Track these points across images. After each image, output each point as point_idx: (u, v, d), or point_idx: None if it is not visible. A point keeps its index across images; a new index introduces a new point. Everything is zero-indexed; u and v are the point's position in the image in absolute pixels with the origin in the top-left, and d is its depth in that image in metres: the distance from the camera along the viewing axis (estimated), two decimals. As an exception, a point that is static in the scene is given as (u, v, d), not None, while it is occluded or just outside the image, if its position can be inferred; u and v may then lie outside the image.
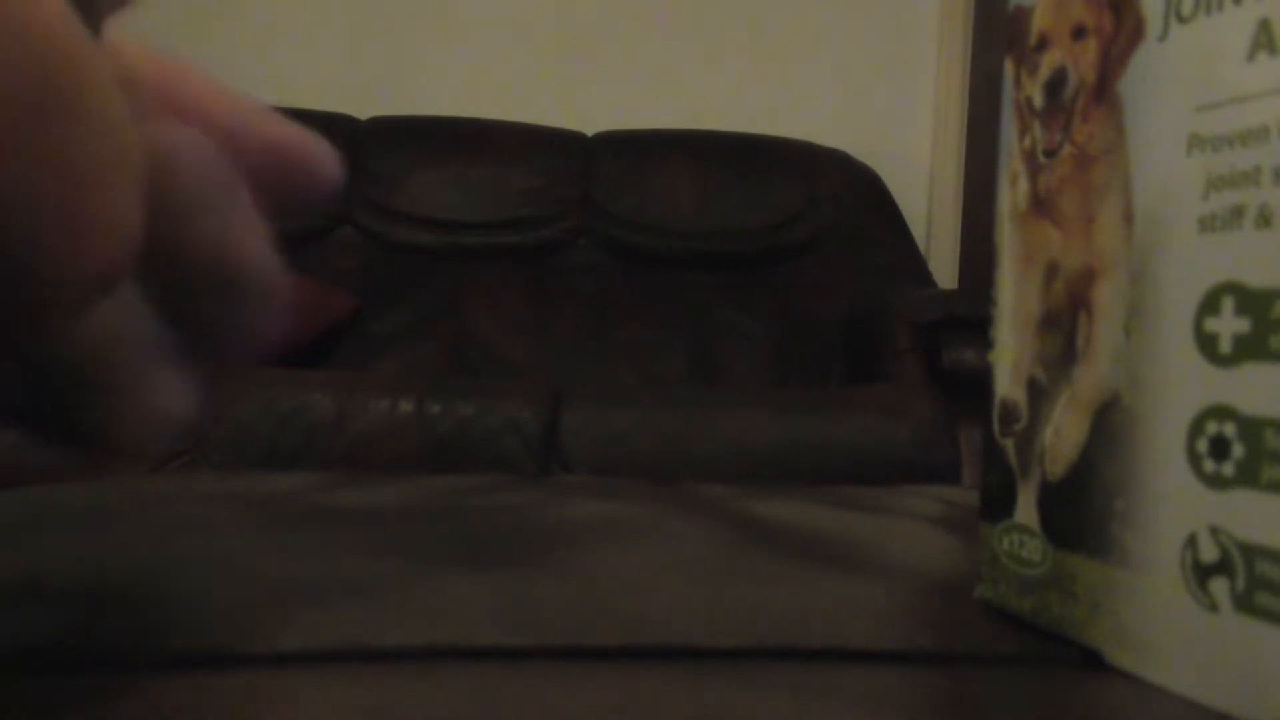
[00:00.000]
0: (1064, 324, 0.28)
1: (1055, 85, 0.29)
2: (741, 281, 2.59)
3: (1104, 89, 0.27)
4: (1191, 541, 0.24)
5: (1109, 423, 0.27)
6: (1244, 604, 0.23)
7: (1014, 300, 0.31)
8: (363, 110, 2.82)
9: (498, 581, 0.33)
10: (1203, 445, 0.24)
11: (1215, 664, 0.23)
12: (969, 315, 2.02)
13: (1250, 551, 0.22)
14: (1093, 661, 0.27)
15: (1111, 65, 0.27)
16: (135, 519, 0.42)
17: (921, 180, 2.96)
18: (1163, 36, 0.25)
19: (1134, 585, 0.26)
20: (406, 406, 1.67)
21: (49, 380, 0.17)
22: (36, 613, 0.27)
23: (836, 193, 2.64)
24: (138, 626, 0.26)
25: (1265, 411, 0.22)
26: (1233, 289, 0.23)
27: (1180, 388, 0.24)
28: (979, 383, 0.33)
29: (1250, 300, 0.22)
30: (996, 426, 0.31)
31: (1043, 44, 0.30)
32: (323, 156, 0.24)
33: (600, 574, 0.34)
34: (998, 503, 0.31)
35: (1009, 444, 0.31)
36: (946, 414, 1.82)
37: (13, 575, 0.31)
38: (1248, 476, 0.22)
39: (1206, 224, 0.24)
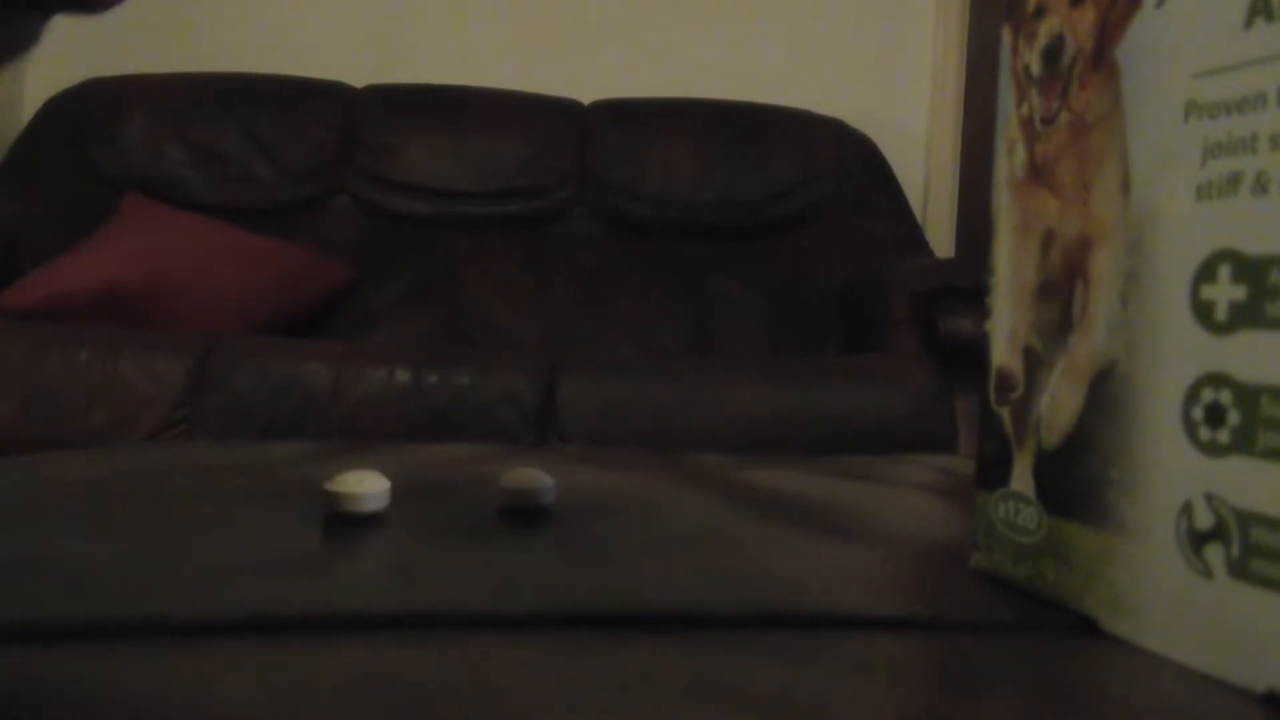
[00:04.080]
0: (1061, 292, 0.28)
1: (1052, 52, 0.29)
2: (739, 251, 2.58)
3: (1101, 56, 0.27)
4: (1187, 508, 0.24)
5: (1105, 391, 0.27)
6: (1239, 570, 0.23)
7: (1011, 269, 0.31)
8: (358, 78, 2.81)
9: (494, 550, 0.33)
10: (1199, 413, 0.24)
11: (1210, 630, 0.23)
12: (966, 285, 2.02)
13: (1246, 518, 0.22)
14: (1088, 628, 0.27)
15: (1109, 32, 0.27)
16: (132, 490, 0.42)
17: (918, 149, 2.95)
18: (1160, 3, 0.25)
19: (1129, 552, 0.26)
20: (403, 376, 1.67)
21: None
22: (36, 583, 0.27)
23: (833, 162, 2.63)
24: (136, 596, 0.26)
25: (1261, 379, 0.22)
26: (1229, 256, 0.23)
27: (1176, 355, 0.24)
28: (976, 352, 0.33)
29: (1247, 268, 0.22)
30: (993, 395, 0.31)
31: (1040, 11, 0.30)
32: None
33: (597, 543, 0.35)
34: (993, 471, 0.31)
35: (1005, 412, 0.31)
36: (943, 383, 1.82)
37: (11, 547, 0.31)
38: (1243, 443, 0.22)
39: (1203, 191, 0.24)
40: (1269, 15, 0.22)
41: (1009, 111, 0.31)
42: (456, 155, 2.59)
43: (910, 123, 2.97)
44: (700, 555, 0.33)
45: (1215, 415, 0.23)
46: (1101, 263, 0.27)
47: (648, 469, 0.52)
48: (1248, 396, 0.22)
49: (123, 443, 1.58)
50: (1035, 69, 0.30)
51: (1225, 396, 0.23)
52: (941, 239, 2.90)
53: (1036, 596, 0.29)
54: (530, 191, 2.60)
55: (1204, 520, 0.23)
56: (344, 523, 0.36)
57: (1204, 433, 0.24)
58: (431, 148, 2.59)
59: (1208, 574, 0.23)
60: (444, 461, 0.53)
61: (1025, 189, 0.30)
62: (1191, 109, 0.24)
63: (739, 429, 1.71)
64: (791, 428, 1.72)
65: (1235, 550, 0.23)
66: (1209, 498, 0.23)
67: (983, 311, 0.32)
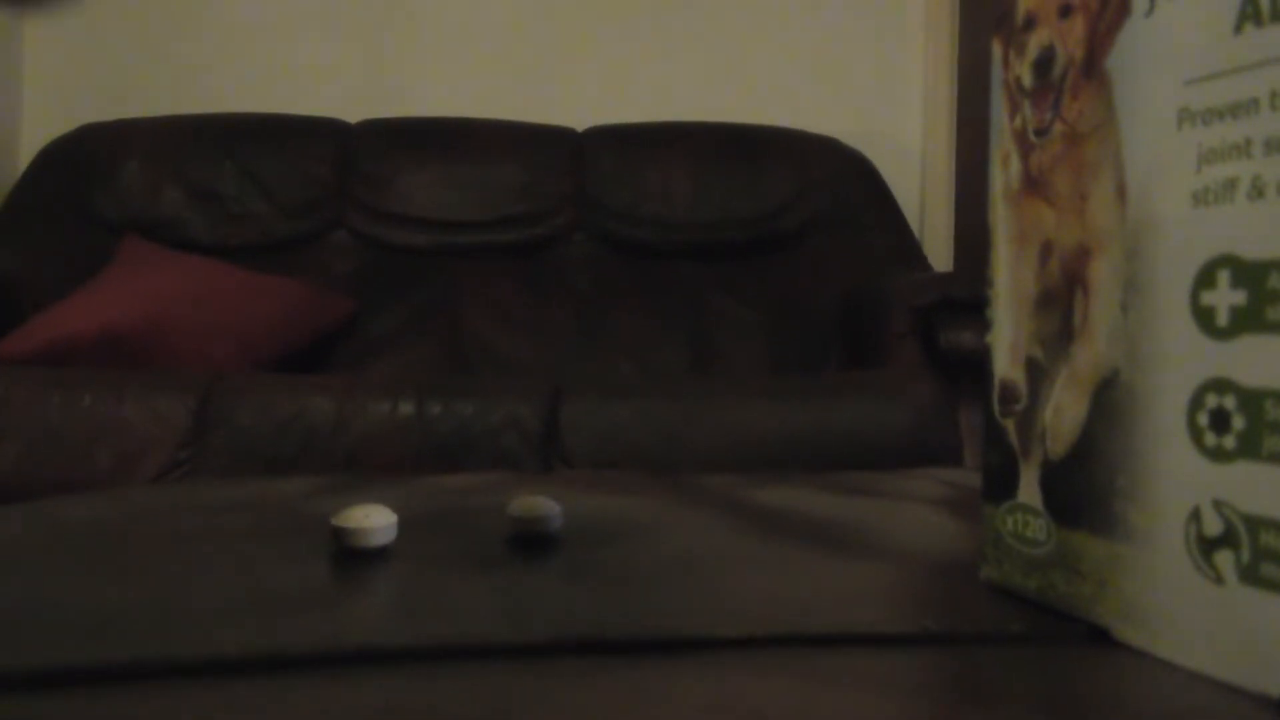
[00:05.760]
0: (1061, 302, 0.28)
1: (1044, 64, 0.29)
2: (737, 270, 2.58)
3: (1092, 66, 0.27)
4: (1195, 515, 0.24)
5: (1109, 399, 0.27)
6: (1249, 576, 0.23)
7: (1010, 280, 0.31)
8: (352, 114, 2.82)
9: (503, 579, 0.33)
10: (1203, 419, 0.24)
11: (1222, 636, 0.23)
12: (965, 297, 2.02)
13: (1254, 523, 0.22)
14: (1099, 637, 0.27)
15: (1099, 42, 0.27)
16: (139, 531, 0.42)
17: (913, 163, 2.95)
18: (1149, 12, 0.25)
19: (1139, 560, 0.26)
20: (407, 407, 1.67)
21: None
22: (44, 628, 0.27)
23: (828, 179, 2.64)
24: (145, 637, 0.26)
25: (1265, 383, 0.22)
26: (1228, 261, 0.23)
27: (1179, 362, 0.24)
28: (977, 364, 0.33)
29: (1246, 272, 0.23)
30: (996, 407, 0.31)
31: (1030, 23, 0.30)
32: None
33: (606, 568, 0.34)
34: (1000, 483, 0.31)
35: (1009, 424, 0.31)
36: (946, 396, 1.82)
37: (19, 592, 0.31)
38: (1249, 448, 0.22)
39: (1200, 197, 0.24)
40: (1259, 20, 0.22)
41: (1002, 124, 0.31)
42: (453, 186, 2.60)
43: (904, 138, 2.98)
44: (710, 577, 0.33)
45: (1220, 421, 0.23)
46: (1100, 271, 0.27)
47: (653, 492, 0.52)
48: (1252, 401, 0.22)
49: (128, 484, 1.58)
50: (1027, 81, 0.30)
51: (1229, 402, 0.23)
52: (939, 252, 2.90)
53: (1047, 607, 0.29)
54: (527, 219, 2.61)
55: (1213, 526, 0.23)
56: (352, 557, 0.36)
57: (1209, 439, 0.23)
58: (427, 179, 2.60)
59: (1218, 580, 0.23)
60: (450, 492, 0.53)
61: (1021, 200, 0.30)
62: (1184, 116, 0.24)
63: (743, 448, 1.71)
64: (795, 445, 1.72)
65: (1245, 556, 0.23)
66: (1217, 504, 0.23)
67: (983, 324, 0.32)
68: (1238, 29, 0.23)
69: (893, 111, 2.98)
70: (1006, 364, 0.31)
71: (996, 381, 0.31)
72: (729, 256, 2.64)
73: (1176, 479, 0.24)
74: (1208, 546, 0.24)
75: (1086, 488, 0.27)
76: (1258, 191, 0.22)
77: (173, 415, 1.64)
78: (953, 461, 1.75)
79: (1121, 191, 0.26)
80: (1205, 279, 0.24)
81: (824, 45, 2.96)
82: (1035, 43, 0.29)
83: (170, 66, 2.83)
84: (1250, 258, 0.22)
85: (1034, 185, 0.29)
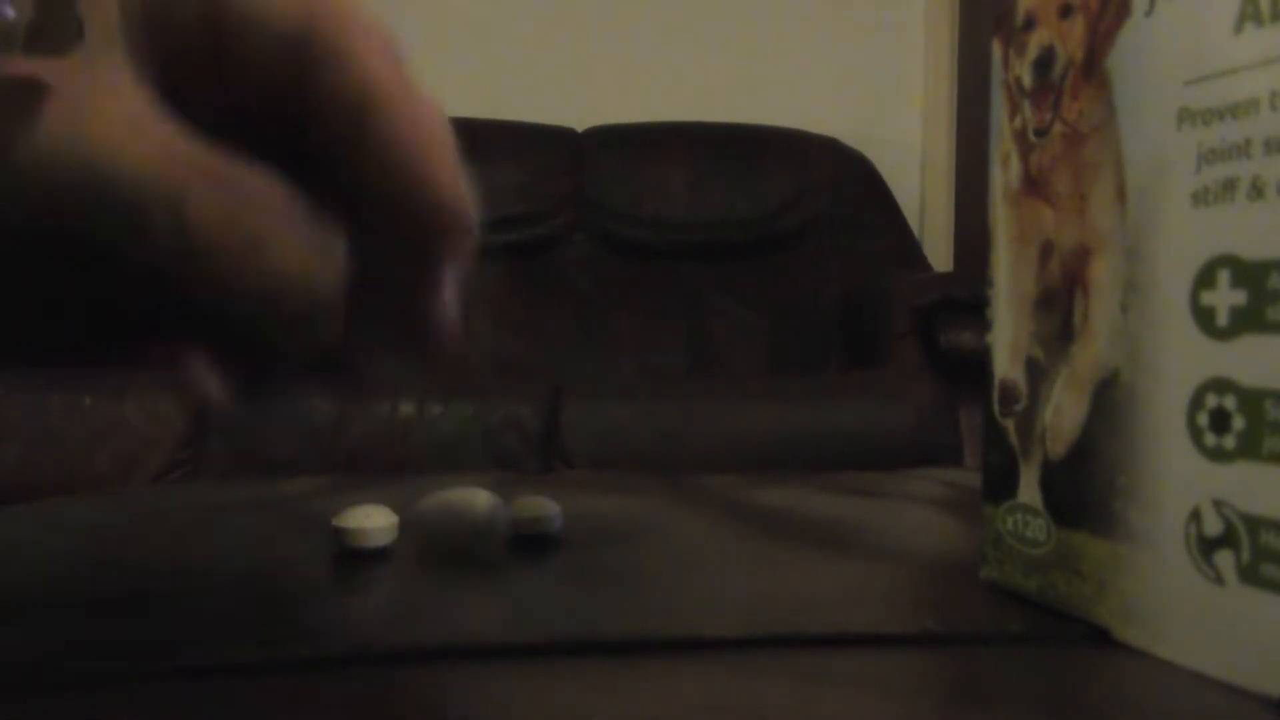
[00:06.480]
0: (1061, 302, 0.28)
1: (1044, 64, 0.29)
2: (737, 271, 2.58)
3: (1092, 66, 0.27)
4: (1195, 515, 0.24)
5: (1109, 399, 0.27)
6: (1249, 576, 0.23)
7: (1010, 281, 0.31)
8: (352, 113, 2.82)
9: (503, 580, 0.33)
10: (1203, 419, 0.24)
11: (1222, 636, 0.23)
12: (965, 297, 2.02)
13: (1254, 523, 0.22)
14: (1100, 638, 0.27)
15: (1099, 42, 0.27)
16: (140, 533, 0.42)
17: (914, 164, 2.95)
18: (1149, 12, 0.25)
19: (1139, 561, 0.26)
20: (407, 408, 1.67)
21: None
22: (44, 629, 0.27)
23: (828, 179, 2.64)
24: (146, 639, 0.26)
25: (1265, 383, 0.22)
26: (1228, 261, 0.23)
27: (1179, 362, 0.24)
28: (978, 364, 0.33)
29: (1246, 272, 0.23)
30: (997, 407, 0.31)
31: (1030, 23, 0.30)
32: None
33: (606, 569, 0.34)
34: (1000, 483, 0.31)
35: (1010, 424, 0.31)
36: (946, 396, 1.82)
37: (19, 593, 0.31)
38: (1249, 448, 0.22)
39: (1199, 198, 0.24)
40: (1259, 20, 0.22)
41: (1002, 124, 0.31)
42: (452, 186, 2.60)
43: (904, 139, 2.98)
44: (710, 577, 0.33)
45: (1220, 421, 0.23)
46: (1100, 272, 0.27)
47: (653, 492, 0.52)
48: (1251, 401, 0.22)
49: (129, 485, 1.58)
50: (1027, 81, 0.30)
51: (1229, 402, 0.23)
52: (939, 253, 2.90)
53: (1048, 608, 0.29)
54: (527, 219, 2.61)
55: (1213, 527, 0.23)
56: (353, 558, 0.36)
57: (1209, 439, 0.23)
58: (427, 179, 2.59)
59: (1219, 580, 0.23)
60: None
61: (1021, 201, 0.30)
62: (1184, 116, 0.24)
63: (743, 448, 1.71)
64: (795, 445, 1.72)
65: (1245, 556, 0.23)
66: (1217, 504, 0.23)
67: (983, 324, 0.32)
68: (1238, 29, 0.23)
69: (893, 111, 2.98)
70: (1006, 364, 0.31)
71: (996, 381, 0.31)
72: (729, 256, 2.64)
73: (1176, 479, 0.24)
74: (1208, 546, 0.24)
75: (1086, 488, 0.27)
76: (1258, 191, 0.22)
77: (173, 416, 1.64)
78: (953, 461, 1.75)
79: (1121, 191, 0.26)
80: (1205, 279, 0.24)
81: (824, 45, 2.96)
82: (1035, 43, 0.29)
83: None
84: (1250, 258, 0.22)
85: (1034, 185, 0.29)
